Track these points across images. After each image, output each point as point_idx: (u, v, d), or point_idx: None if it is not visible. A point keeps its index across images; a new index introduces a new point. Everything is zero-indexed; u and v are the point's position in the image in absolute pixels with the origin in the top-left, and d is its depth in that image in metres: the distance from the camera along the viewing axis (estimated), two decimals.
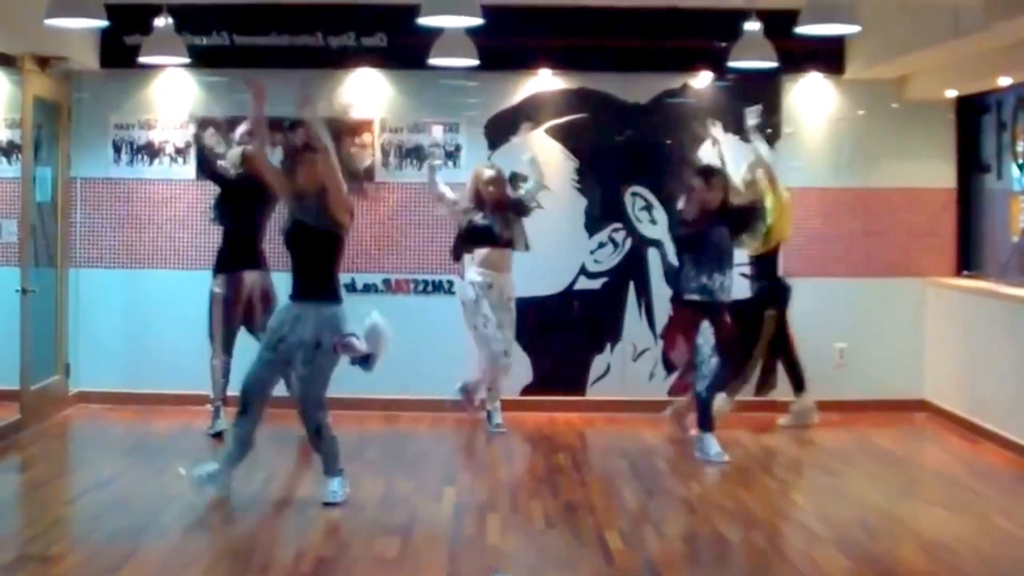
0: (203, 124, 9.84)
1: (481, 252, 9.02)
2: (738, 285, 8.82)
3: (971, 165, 9.95)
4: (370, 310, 7.19)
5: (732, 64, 8.72)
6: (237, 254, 8.76)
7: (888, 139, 10.01)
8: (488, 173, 9.06)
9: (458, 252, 9.23)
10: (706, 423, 8.31)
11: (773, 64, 8.60)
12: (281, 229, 7.28)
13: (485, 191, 9.00)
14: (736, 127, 9.60)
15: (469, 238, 9.08)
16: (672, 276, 9.32)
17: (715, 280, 8.31)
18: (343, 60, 9.73)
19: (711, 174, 8.52)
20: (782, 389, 9.90)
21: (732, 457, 8.24)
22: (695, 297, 8.36)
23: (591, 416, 9.51)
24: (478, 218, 9.00)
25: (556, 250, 9.61)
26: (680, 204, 8.63)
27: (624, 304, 9.87)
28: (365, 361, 7.09)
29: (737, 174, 8.87)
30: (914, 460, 8.75)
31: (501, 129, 9.83)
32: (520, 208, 9.14)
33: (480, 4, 6.76)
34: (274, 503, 7.16)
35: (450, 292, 9.75)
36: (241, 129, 8.82)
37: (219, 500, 7.09)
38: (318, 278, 7.04)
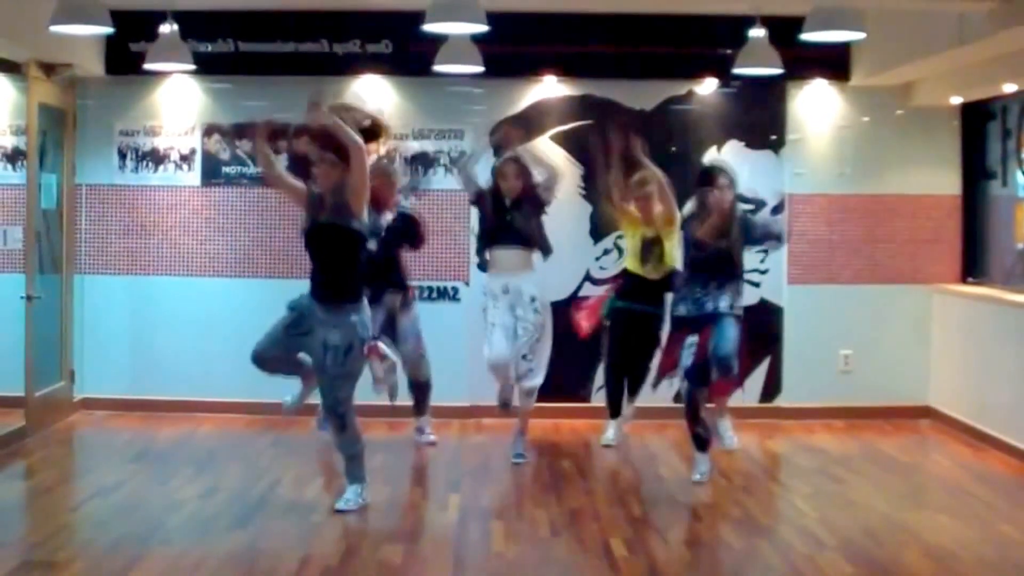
0: (209, 131, 9.86)
1: (494, 254, 8.53)
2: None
3: (976, 172, 9.95)
4: None
5: (737, 71, 8.72)
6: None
7: (893, 146, 10.01)
8: (507, 166, 8.48)
9: (479, 253, 8.92)
10: (696, 443, 7.94)
11: (778, 71, 8.60)
12: (300, 230, 7.18)
13: (503, 184, 8.44)
14: (739, 134, 9.68)
15: (482, 238, 8.69)
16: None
17: (709, 290, 7.79)
18: (348, 67, 9.74)
19: (717, 174, 7.95)
20: (785, 393, 9.93)
21: (736, 464, 8.24)
22: (681, 311, 7.89)
23: (596, 423, 9.47)
24: (491, 217, 8.46)
25: (561, 256, 9.57)
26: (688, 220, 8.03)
27: None
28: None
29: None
30: (919, 467, 8.74)
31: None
32: (539, 201, 8.49)
33: (485, 11, 6.77)
34: (279, 510, 7.16)
35: (455, 299, 9.75)
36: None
37: (222, 506, 7.10)
38: (341, 279, 6.98)
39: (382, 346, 7.28)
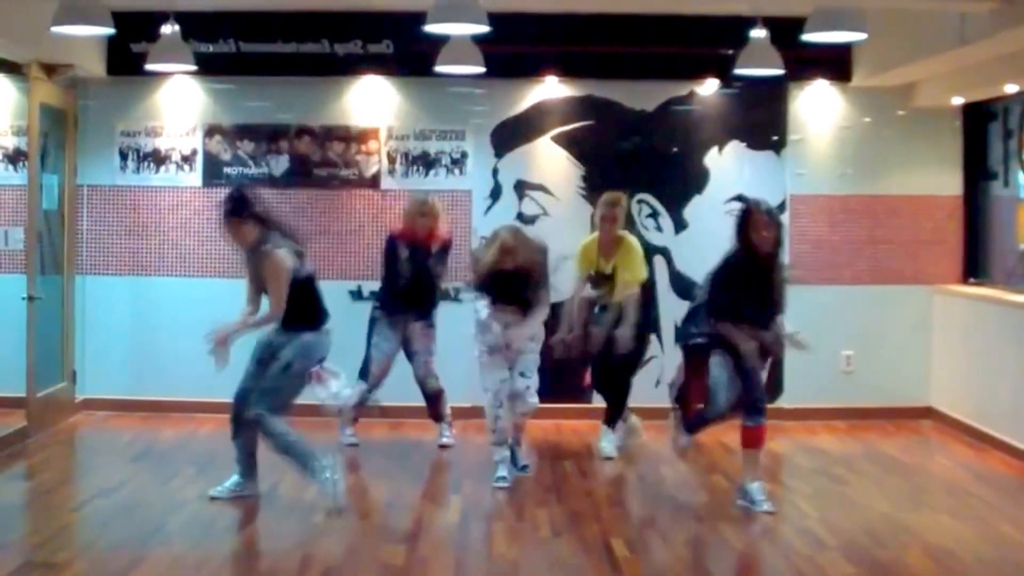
0: (210, 132, 9.86)
1: (495, 306, 7.87)
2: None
3: (977, 172, 9.95)
4: None
5: (738, 71, 8.70)
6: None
7: (895, 146, 10.01)
8: (505, 239, 7.82)
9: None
10: (692, 428, 7.79)
11: (779, 71, 8.59)
12: (250, 278, 7.35)
13: (499, 260, 7.79)
14: (740, 135, 9.70)
15: (485, 289, 7.94)
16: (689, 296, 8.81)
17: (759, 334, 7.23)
18: (349, 67, 9.74)
19: (756, 210, 7.22)
20: (787, 394, 9.92)
21: (737, 464, 8.22)
22: (700, 341, 7.48)
23: (597, 424, 9.47)
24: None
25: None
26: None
27: None
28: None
29: None
30: (920, 467, 8.73)
31: (507, 137, 9.85)
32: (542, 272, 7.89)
33: (487, 11, 6.77)
34: (280, 510, 7.17)
35: (456, 300, 9.74)
36: None
37: (224, 507, 7.11)
38: (292, 314, 7.11)
39: (325, 374, 7.21)
